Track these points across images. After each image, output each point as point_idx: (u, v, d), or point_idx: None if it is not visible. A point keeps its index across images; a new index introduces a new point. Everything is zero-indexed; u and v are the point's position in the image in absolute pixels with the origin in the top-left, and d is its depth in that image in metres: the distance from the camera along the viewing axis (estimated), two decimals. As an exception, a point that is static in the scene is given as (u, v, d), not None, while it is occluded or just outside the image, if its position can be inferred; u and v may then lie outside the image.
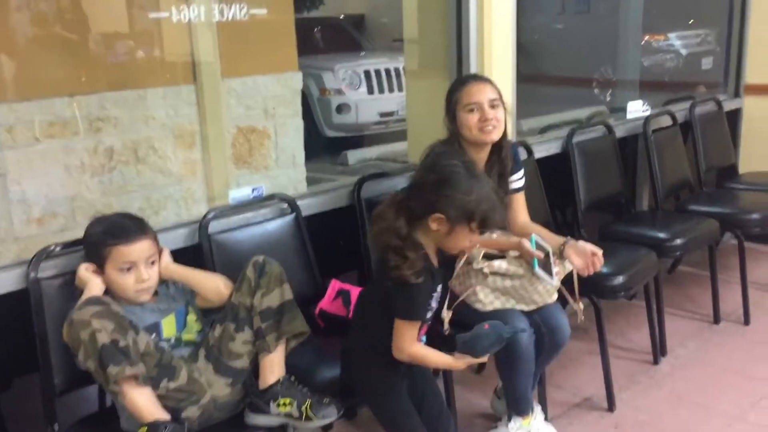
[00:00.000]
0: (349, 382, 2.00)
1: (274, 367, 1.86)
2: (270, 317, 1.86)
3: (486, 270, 2.24)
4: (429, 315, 1.96)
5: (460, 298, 2.28)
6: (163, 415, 1.69)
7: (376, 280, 2.01)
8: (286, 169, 3.24)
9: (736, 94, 4.41)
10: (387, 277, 1.83)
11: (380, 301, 1.89)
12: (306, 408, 1.82)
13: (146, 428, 1.65)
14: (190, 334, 1.95)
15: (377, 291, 1.93)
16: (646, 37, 6.45)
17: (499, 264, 2.25)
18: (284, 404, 1.82)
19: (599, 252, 2.32)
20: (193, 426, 1.79)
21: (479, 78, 2.47)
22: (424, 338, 2.01)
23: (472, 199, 1.83)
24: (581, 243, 2.35)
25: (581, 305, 2.32)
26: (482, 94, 2.35)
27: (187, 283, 1.97)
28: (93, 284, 1.81)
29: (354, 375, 1.99)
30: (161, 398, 1.73)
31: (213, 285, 1.96)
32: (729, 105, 4.26)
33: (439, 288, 1.97)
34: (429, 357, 1.93)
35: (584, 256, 2.31)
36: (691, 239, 3.20)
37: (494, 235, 2.40)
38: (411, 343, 1.89)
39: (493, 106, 2.34)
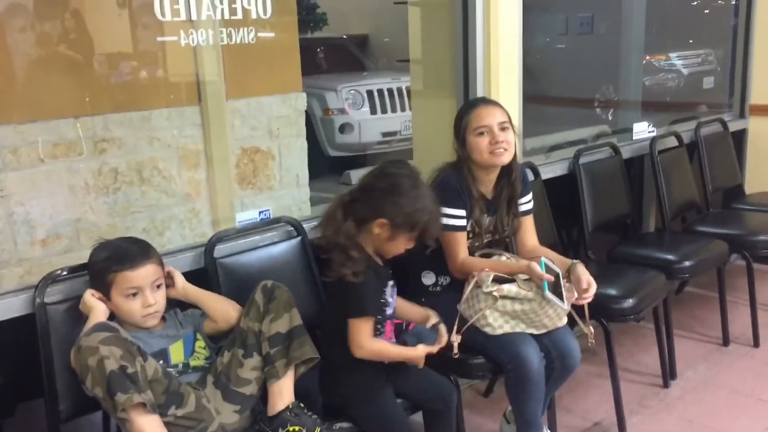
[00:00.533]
0: (331, 397, 2.00)
1: (283, 394, 1.83)
2: (279, 343, 1.84)
3: (496, 293, 2.21)
4: (388, 311, 2.04)
5: (470, 323, 2.25)
6: (170, 444, 1.66)
7: (330, 292, 2.06)
8: (290, 189, 3.22)
9: (741, 115, 4.41)
10: (329, 276, 1.92)
11: (344, 311, 1.95)
12: None
13: (154, 457, 1.62)
14: (198, 360, 1.92)
15: (337, 303, 1.98)
16: (647, 57, 6.46)
17: (509, 287, 2.23)
18: (294, 431, 1.79)
19: (593, 285, 2.28)
20: None
21: (488, 101, 2.46)
22: (393, 340, 2.09)
23: (418, 209, 1.94)
24: (579, 270, 2.31)
25: (591, 328, 2.30)
26: (492, 117, 2.34)
27: (200, 304, 1.97)
28: (97, 310, 1.79)
29: (336, 389, 2.01)
30: (169, 425, 1.70)
31: (223, 309, 1.95)
32: (734, 125, 4.25)
33: (390, 284, 2.05)
34: (389, 350, 2.03)
35: (579, 284, 2.27)
36: (700, 261, 3.17)
37: (503, 258, 2.38)
38: (368, 340, 1.96)
39: (503, 129, 2.33)
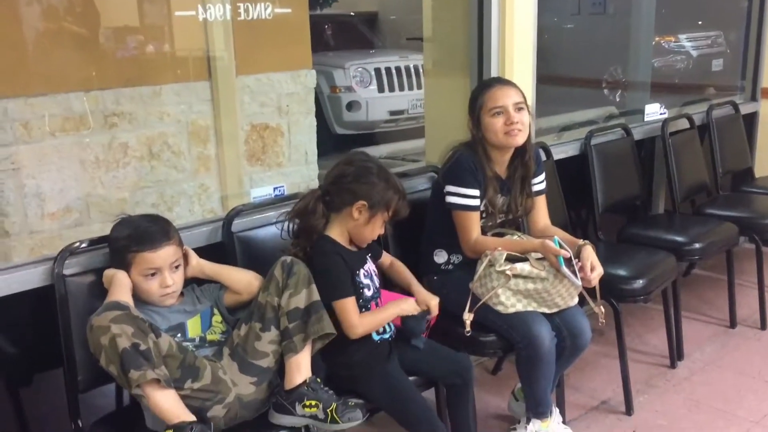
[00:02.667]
0: (337, 378, 2.02)
1: (300, 368, 1.84)
2: (297, 318, 1.84)
3: (509, 272, 2.21)
4: (366, 293, 2.07)
5: (482, 301, 2.25)
6: (188, 416, 1.66)
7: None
8: (298, 166, 3.22)
9: (753, 98, 4.37)
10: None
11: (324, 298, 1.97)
12: (332, 411, 1.80)
13: (172, 430, 1.63)
14: (215, 334, 1.93)
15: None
16: (657, 38, 6.40)
17: (522, 266, 2.23)
18: (310, 406, 1.80)
19: (598, 268, 2.27)
20: (219, 425, 1.77)
21: (504, 81, 2.43)
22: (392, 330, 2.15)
23: (389, 188, 2.05)
24: (586, 252, 2.30)
25: (602, 308, 2.30)
26: (507, 98, 2.32)
27: (218, 278, 1.97)
28: (119, 277, 1.80)
29: (341, 369, 2.04)
30: (186, 398, 1.71)
31: (245, 279, 1.97)
32: (745, 108, 4.22)
33: (367, 266, 2.11)
34: (380, 317, 2.08)
35: (584, 267, 2.26)
36: (710, 243, 3.17)
37: (515, 237, 2.38)
38: (356, 318, 2.00)
39: (518, 110, 2.32)
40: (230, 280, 1.97)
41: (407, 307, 2.13)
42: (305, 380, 1.83)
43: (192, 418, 1.67)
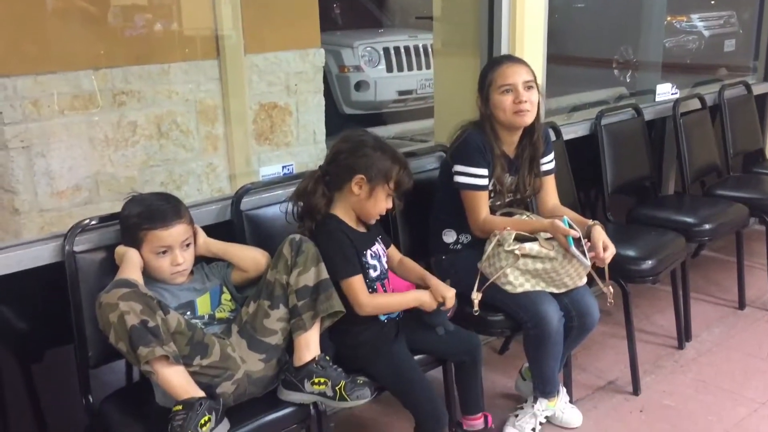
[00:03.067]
0: (343, 357, 2.02)
1: (309, 346, 1.85)
2: (306, 296, 1.85)
3: (517, 252, 2.21)
4: (372, 274, 2.06)
5: (490, 281, 2.25)
6: (197, 392, 1.68)
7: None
8: (306, 145, 3.22)
9: (766, 78, 4.33)
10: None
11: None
12: (340, 388, 1.81)
13: (181, 406, 1.64)
14: (224, 312, 1.94)
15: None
16: (668, 18, 6.33)
17: (531, 246, 2.22)
18: (319, 383, 1.81)
19: (610, 248, 2.26)
20: (228, 401, 1.78)
21: (514, 59, 2.41)
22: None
23: (387, 159, 2.02)
24: (597, 232, 2.29)
25: (611, 288, 2.30)
26: (517, 76, 2.30)
27: (225, 256, 1.98)
28: (130, 254, 1.81)
29: (347, 350, 2.04)
30: (195, 375, 1.72)
31: (252, 256, 1.97)
32: (758, 89, 4.18)
33: (375, 248, 2.09)
34: (395, 301, 2.08)
35: (596, 246, 2.26)
36: (720, 224, 3.15)
37: (524, 216, 2.37)
38: (366, 296, 2.00)
39: (528, 88, 2.30)
40: (237, 257, 1.97)
41: (426, 299, 2.08)
42: (314, 358, 1.84)
43: (201, 393, 1.68)
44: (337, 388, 1.82)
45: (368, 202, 2.03)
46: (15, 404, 2.14)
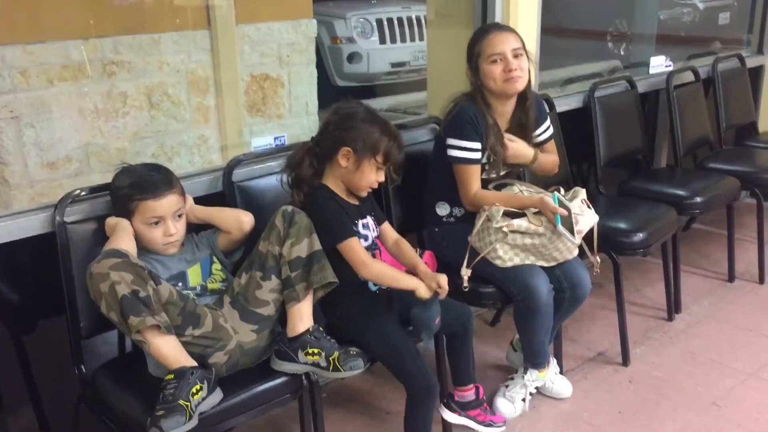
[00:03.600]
0: (335, 329, 2.02)
1: (303, 317, 1.85)
2: (299, 267, 1.85)
3: (506, 229, 2.21)
4: (364, 243, 2.03)
5: (480, 256, 2.25)
6: (189, 362, 1.69)
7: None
8: (299, 117, 3.19)
9: (760, 51, 4.32)
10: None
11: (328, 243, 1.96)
12: (334, 359, 1.82)
13: (173, 375, 1.65)
14: (215, 283, 1.94)
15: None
16: (663, -11, 6.28)
17: (519, 223, 2.22)
18: (312, 353, 1.82)
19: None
20: (221, 371, 1.79)
21: (501, 27, 2.40)
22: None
23: (375, 131, 1.99)
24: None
25: (598, 259, 2.31)
26: (506, 44, 2.28)
27: (210, 220, 1.98)
28: (122, 225, 1.81)
29: (339, 321, 2.04)
30: (187, 345, 1.73)
31: (233, 217, 1.98)
32: (751, 62, 4.17)
33: (366, 220, 2.09)
34: (393, 275, 2.00)
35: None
36: (711, 197, 3.17)
37: (515, 189, 2.37)
38: (367, 258, 1.98)
39: (516, 56, 2.28)
40: (220, 220, 1.98)
41: (423, 288, 1.98)
42: (308, 328, 1.85)
43: (193, 363, 1.69)
44: (330, 358, 1.82)
45: (355, 174, 2.02)
46: (8, 375, 2.15)
